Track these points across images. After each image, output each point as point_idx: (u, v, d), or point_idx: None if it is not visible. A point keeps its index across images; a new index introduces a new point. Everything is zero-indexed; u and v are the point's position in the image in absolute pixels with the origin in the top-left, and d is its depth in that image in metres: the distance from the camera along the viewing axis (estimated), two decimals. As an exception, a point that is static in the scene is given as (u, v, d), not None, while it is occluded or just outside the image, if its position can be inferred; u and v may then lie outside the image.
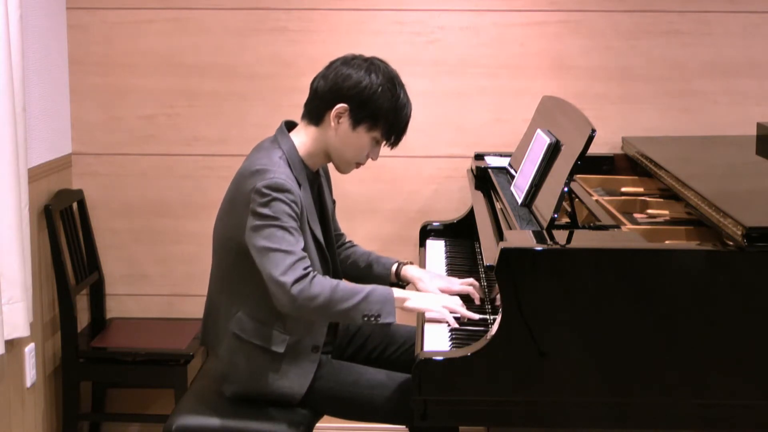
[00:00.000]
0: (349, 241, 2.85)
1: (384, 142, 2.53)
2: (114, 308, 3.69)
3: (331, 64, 2.51)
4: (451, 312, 2.45)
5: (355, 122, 2.46)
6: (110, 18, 3.56)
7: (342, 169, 2.57)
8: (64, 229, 3.42)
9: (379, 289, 2.42)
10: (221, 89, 3.58)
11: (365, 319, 2.38)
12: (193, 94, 3.59)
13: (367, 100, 2.45)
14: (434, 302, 2.48)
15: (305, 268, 2.36)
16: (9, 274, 2.93)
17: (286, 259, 2.34)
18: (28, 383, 3.24)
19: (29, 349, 3.24)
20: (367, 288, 2.41)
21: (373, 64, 2.49)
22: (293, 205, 2.38)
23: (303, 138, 2.52)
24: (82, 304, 3.61)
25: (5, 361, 3.08)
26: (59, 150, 3.50)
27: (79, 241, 3.53)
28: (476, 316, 2.47)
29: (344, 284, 2.40)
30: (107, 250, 3.66)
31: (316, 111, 2.50)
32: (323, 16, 3.52)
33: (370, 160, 2.57)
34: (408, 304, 2.46)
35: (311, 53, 3.52)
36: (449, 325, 2.44)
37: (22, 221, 2.98)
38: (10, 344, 3.06)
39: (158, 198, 3.64)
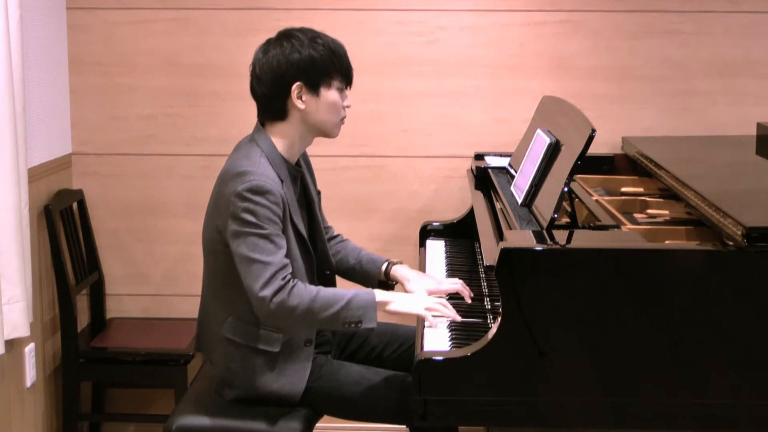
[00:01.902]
0: (339, 235, 2.85)
1: (346, 87, 2.53)
2: (114, 308, 3.69)
3: (254, 66, 2.52)
4: (433, 313, 2.46)
5: (314, 89, 2.47)
6: (110, 18, 3.56)
7: (333, 133, 2.55)
8: (64, 229, 3.42)
9: (361, 293, 2.42)
10: (221, 89, 3.58)
11: (346, 326, 2.39)
12: (193, 94, 3.59)
13: (309, 65, 2.45)
14: (417, 304, 2.48)
15: (284, 278, 2.36)
16: (9, 274, 2.93)
17: (266, 271, 2.35)
18: (28, 383, 3.24)
19: (29, 349, 3.24)
20: (348, 294, 2.40)
21: (285, 36, 2.49)
22: (275, 206, 2.38)
23: (277, 135, 2.52)
24: (82, 304, 3.61)
25: (5, 361, 3.08)
26: (59, 150, 3.50)
27: (79, 241, 3.53)
28: (459, 318, 2.47)
29: (324, 292, 2.40)
30: (107, 250, 3.66)
31: (276, 109, 2.50)
32: (323, 16, 3.52)
33: (347, 110, 2.56)
34: (391, 307, 2.46)
35: (311, 53, 3.51)
36: (449, 323, 2.45)
37: (22, 221, 2.98)
38: (10, 344, 3.06)
39: (158, 198, 3.64)
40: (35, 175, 3.23)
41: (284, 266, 2.37)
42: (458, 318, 2.47)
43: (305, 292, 2.37)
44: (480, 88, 3.56)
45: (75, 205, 3.54)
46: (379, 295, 2.44)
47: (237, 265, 2.39)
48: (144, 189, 3.64)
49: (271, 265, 2.35)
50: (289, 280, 2.37)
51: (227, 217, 2.39)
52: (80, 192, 3.59)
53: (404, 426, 2.57)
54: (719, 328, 2.19)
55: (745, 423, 2.22)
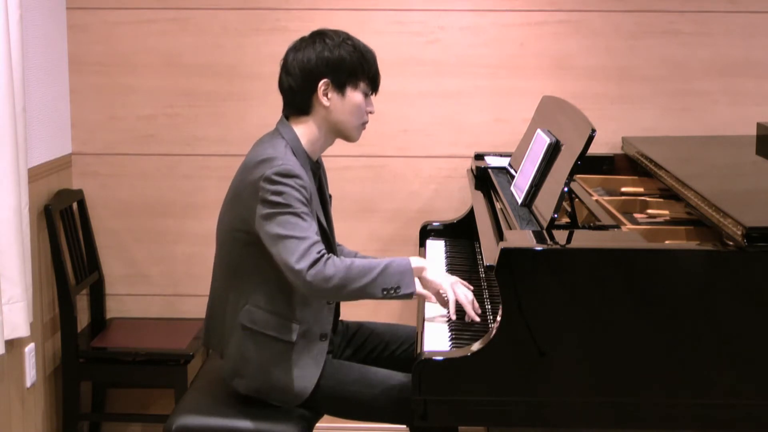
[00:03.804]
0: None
1: (371, 92, 2.56)
2: (114, 308, 3.69)
3: (285, 61, 2.53)
4: (456, 300, 2.47)
5: (341, 89, 2.50)
6: (110, 18, 3.56)
7: (353, 136, 2.58)
8: (64, 229, 3.42)
9: (396, 260, 2.43)
10: (221, 89, 3.58)
11: (384, 292, 2.39)
12: (193, 94, 3.59)
13: (339, 64, 2.48)
14: (447, 280, 2.50)
15: (319, 252, 2.37)
16: (9, 274, 2.93)
17: (300, 245, 2.35)
18: (28, 383, 3.24)
19: (29, 349, 3.24)
20: (383, 261, 2.42)
21: (318, 35, 2.52)
22: (303, 190, 2.40)
23: (300, 129, 2.53)
24: (82, 304, 3.61)
25: (5, 361, 3.08)
26: (59, 150, 3.50)
27: (79, 241, 3.53)
28: (478, 319, 2.48)
29: (359, 261, 2.41)
30: (107, 250, 3.66)
31: (301, 103, 2.52)
32: (323, 16, 3.52)
33: (371, 115, 2.58)
34: (426, 274, 2.48)
35: (311, 53, 3.51)
36: (448, 319, 2.45)
37: (22, 221, 2.98)
38: (10, 344, 3.06)
39: (158, 198, 3.64)
40: (35, 175, 3.23)
41: (318, 241, 2.38)
42: (477, 319, 2.48)
43: (340, 262, 2.38)
44: (480, 88, 3.56)
45: (75, 205, 3.54)
46: (413, 261, 2.46)
47: (270, 248, 2.39)
48: (144, 189, 3.64)
49: (305, 239, 2.36)
50: (324, 254, 2.38)
51: (255, 203, 2.40)
52: (80, 192, 3.59)
53: (404, 426, 2.57)
54: (719, 328, 2.19)
55: (745, 423, 2.22)
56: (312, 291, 2.39)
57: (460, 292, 2.50)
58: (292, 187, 2.38)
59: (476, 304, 2.53)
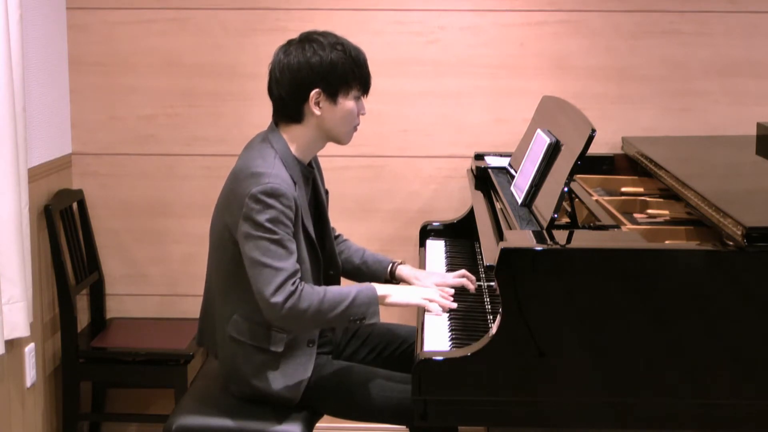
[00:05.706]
0: (340, 235, 2.86)
1: (363, 95, 2.53)
2: (114, 308, 3.69)
3: (274, 66, 2.49)
4: (430, 301, 2.51)
5: (332, 96, 2.47)
6: (110, 18, 3.56)
7: (345, 141, 2.56)
8: (64, 229, 3.42)
9: (364, 290, 2.45)
10: (221, 89, 3.58)
11: (351, 322, 2.44)
12: (193, 94, 3.59)
13: (330, 72, 2.45)
14: (414, 295, 2.53)
15: (293, 284, 2.37)
16: (9, 274, 2.93)
17: (277, 276, 2.35)
18: (28, 383, 3.24)
19: (29, 349, 3.24)
20: (352, 292, 2.43)
21: (306, 41, 2.47)
22: (288, 210, 2.38)
23: (291, 136, 2.51)
24: (82, 304, 3.61)
25: (5, 361, 3.08)
26: (59, 150, 3.50)
27: (79, 241, 3.53)
28: (454, 305, 2.52)
29: (331, 292, 2.42)
30: (107, 250, 3.66)
31: (292, 111, 2.49)
32: (323, 16, 3.52)
33: (362, 117, 2.56)
34: (389, 300, 2.50)
35: (311, 53, 3.50)
36: (449, 317, 2.48)
37: (22, 221, 2.98)
38: (10, 344, 3.06)
39: (158, 198, 3.64)
40: (35, 175, 3.23)
41: (295, 271, 2.38)
42: (454, 305, 2.52)
43: (314, 293, 2.39)
44: (480, 88, 3.56)
45: (75, 205, 3.54)
46: (379, 289, 2.48)
47: (247, 269, 2.39)
48: (144, 189, 3.64)
49: (282, 270, 2.36)
50: (298, 285, 2.38)
51: (239, 218, 2.39)
52: (80, 192, 3.59)
53: (404, 426, 2.57)
54: (719, 328, 2.19)
55: (745, 423, 2.22)
56: (283, 324, 2.43)
57: (428, 295, 2.52)
58: (277, 208, 2.36)
59: (447, 295, 2.56)
